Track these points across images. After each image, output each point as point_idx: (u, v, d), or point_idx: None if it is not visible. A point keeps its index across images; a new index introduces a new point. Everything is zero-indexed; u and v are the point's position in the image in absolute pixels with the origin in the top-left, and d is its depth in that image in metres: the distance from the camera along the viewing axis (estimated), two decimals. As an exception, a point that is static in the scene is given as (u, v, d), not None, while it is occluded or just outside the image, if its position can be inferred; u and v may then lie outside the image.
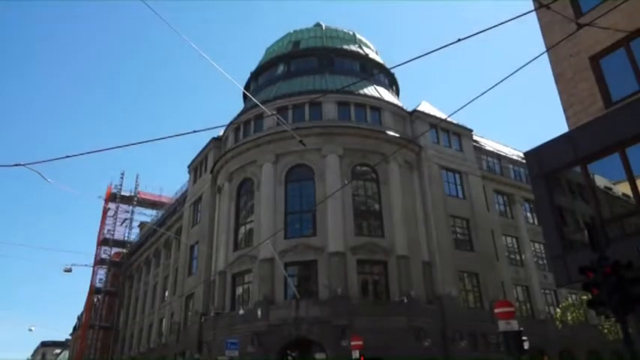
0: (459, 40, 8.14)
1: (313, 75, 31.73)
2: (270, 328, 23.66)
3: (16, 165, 9.38)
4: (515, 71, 8.78)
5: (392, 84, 35.56)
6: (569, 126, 12.32)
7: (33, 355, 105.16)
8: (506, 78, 8.84)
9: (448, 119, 28.18)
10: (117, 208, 50.66)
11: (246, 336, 23.29)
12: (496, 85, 8.89)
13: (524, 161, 26.35)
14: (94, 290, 49.41)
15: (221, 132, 33.76)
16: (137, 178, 52.31)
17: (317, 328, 23.23)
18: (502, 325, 11.43)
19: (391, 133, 29.10)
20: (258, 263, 25.83)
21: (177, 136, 11.30)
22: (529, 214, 36.05)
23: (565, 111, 12.58)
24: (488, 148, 36.52)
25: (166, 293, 38.07)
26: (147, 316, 41.02)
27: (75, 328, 65.77)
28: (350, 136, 28.18)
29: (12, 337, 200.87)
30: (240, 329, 24.12)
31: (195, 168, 37.15)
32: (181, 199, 40.13)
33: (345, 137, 28.11)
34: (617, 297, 7.98)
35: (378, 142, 28.50)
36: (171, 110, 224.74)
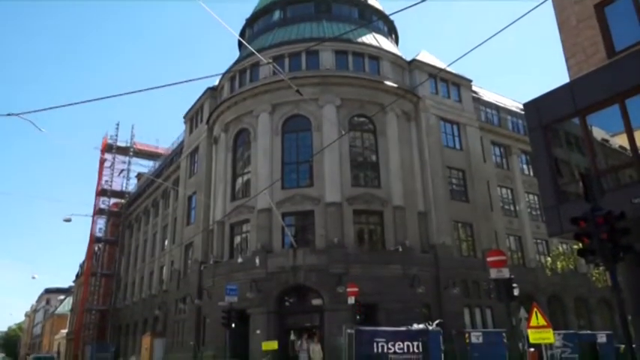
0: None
1: (310, 22, 30.76)
2: (268, 276, 24.29)
3: (9, 115, 9.29)
4: (518, 19, 8.55)
5: (391, 32, 34.59)
6: (570, 76, 12.09)
7: (37, 301, 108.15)
8: (508, 26, 8.61)
9: (447, 69, 27.64)
10: (114, 159, 50.49)
11: (244, 283, 23.93)
12: (498, 32, 8.67)
13: (522, 113, 26.17)
14: (94, 239, 50.16)
15: (216, 81, 33.16)
16: (132, 128, 52.23)
17: (314, 276, 23.87)
18: (494, 273, 11.81)
19: (389, 83, 28.64)
20: (255, 213, 26.13)
21: (171, 85, 11.12)
22: (525, 166, 36.25)
23: (567, 60, 12.32)
24: (487, 99, 36.09)
25: (166, 242, 38.70)
26: (147, 264, 41.91)
27: (78, 276, 67.26)
28: (347, 86, 27.72)
29: (17, 284, 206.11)
30: (238, 277, 24.73)
31: (191, 118, 36.74)
32: (178, 150, 39.98)
33: (343, 87, 27.66)
34: (608, 246, 8.15)
35: (376, 92, 28.10)
36: (166, 60, 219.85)
